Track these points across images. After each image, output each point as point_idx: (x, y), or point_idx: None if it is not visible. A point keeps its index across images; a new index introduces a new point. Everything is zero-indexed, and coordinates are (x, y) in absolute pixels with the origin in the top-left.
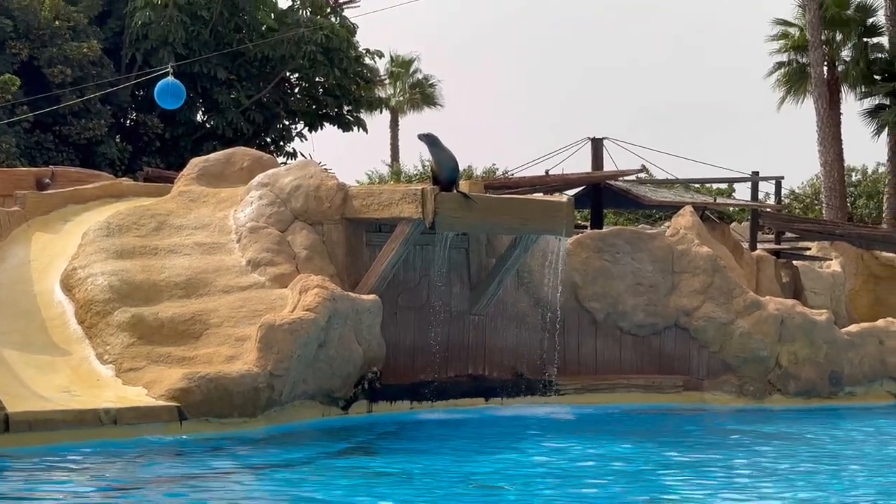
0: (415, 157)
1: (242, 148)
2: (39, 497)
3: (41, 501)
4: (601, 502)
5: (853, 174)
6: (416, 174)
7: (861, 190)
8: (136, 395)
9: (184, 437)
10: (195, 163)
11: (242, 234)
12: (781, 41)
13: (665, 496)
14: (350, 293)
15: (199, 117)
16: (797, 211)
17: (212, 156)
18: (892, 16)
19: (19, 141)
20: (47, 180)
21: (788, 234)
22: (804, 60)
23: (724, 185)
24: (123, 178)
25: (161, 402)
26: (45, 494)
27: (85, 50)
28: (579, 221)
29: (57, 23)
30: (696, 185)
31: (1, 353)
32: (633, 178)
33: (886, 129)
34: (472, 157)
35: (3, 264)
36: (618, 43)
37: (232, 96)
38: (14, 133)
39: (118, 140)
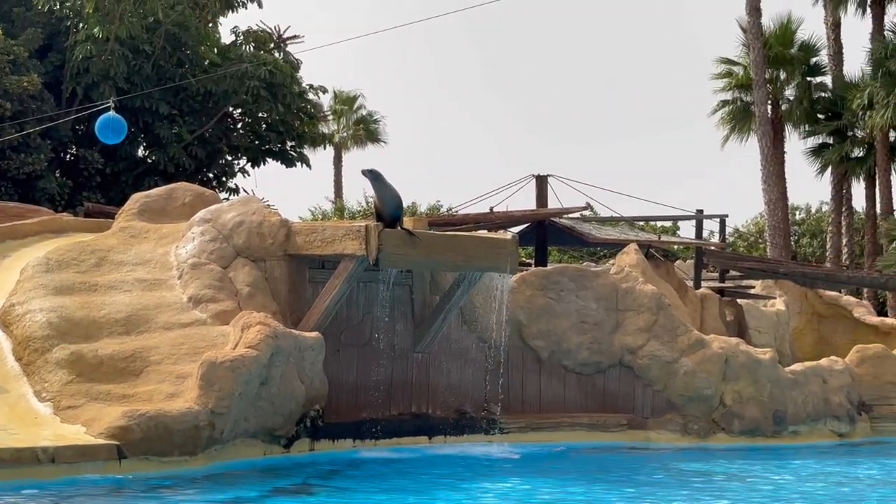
0: (358, 194)
1: (184, 183)
2: None
3: None
4: None
5: (797, 213)
6: (360, 210)
7: (805, 228)
8: (75, 434)
9: (123, 476)
10: (136, 198)
11: (184, 271)
12: (725, 79)
13: None
14: (293, 330)
15: (140, 152)
16: (741, 249)
17: (153, 191)
18: (835, 55)
19: None
20: None
21: (733, 273)
22: (748, 99)
23: (668, 223)
24: (63, 214)
25: (100, 441)
26: None
27: (25, 84)
28: (523, 259)
29: None
30: (641, 223)
31: None
32: (577, 215)
33: (829, 167)
34: (416, 193)
35: None
36: (562, 80)
37: (174, 131)
38: None
39: (58, 175)
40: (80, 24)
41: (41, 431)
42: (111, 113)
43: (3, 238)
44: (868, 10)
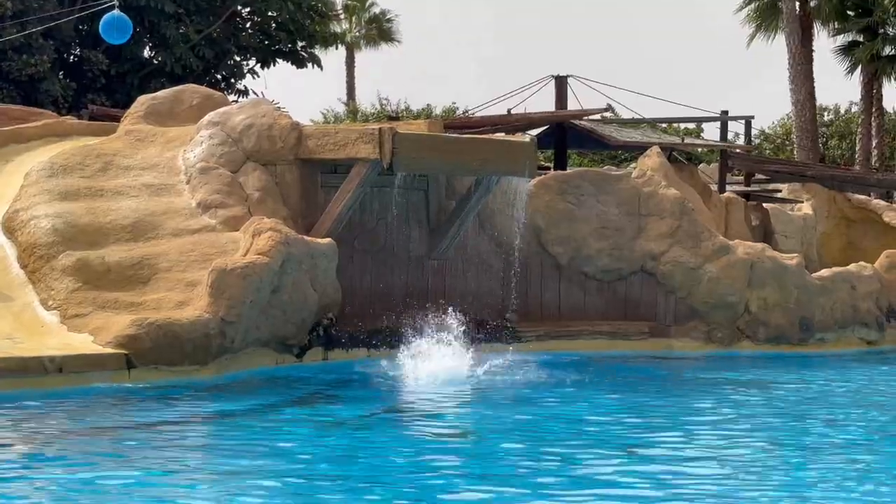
0: (372, 96)
1: (192, 85)
2: None
3: None
4: (572, 453)
5: (825, 114)
6: (373, 113)
7: (833, 130)
8: (83, 343)
9: (132, 385)
10: (143, 101)
11: (192, 175)
12: None
13: (636, 447)
14: (305, 236)
15: (146, 53)
16: (768, 152)
17: (160, 93)
18: None
19: None
20: None
21: (758, 176)
22: None
23: (692, 125)
24: (67, 117)
25: (108, 350)
26: None
27: None
28: (542, 162)
29: None
30: (664, 125)
31: None
32: (598, 117)
33: (860, 66)
34: (431, 95)
35: None
36: None
37: (181, 31)
38: None
39: (61, 77)
40: None
41: (48, 340)
42: (116, 11)
43: (6, 142)
44: None
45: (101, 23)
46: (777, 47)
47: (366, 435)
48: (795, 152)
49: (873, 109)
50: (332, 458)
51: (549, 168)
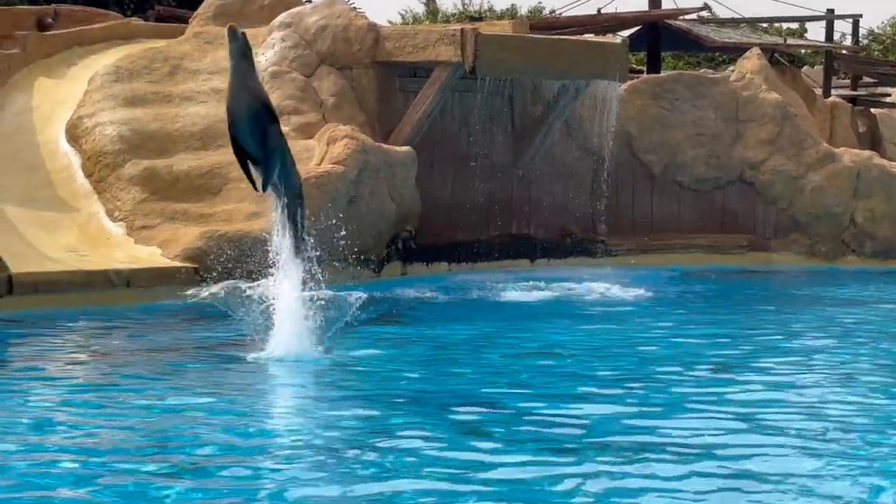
0: None
1: None
2: (44, 362)
3: (46, 366)
4: (667, 367)
5: None
6: (455, 14)
7: None
8: (150, 255)
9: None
10: (211, 1)
11: (264, 80)
12: None
13: (731, 365)
14: (382, 144)
15: None
16: (876, 53)
17: None
18: None
19: None
20: (50, 20)
21: (866, 79)
22: None
23: (795, 25)
24: (133, 18)
25: (177, 263)
26: (49, 359)
27: None
28: (634, 65)
29: None
30: (765, 25)
31: (2, 209)
32: (694, 16)
33: None
34: None
35: (2, 112)
36: None
37: None
38: None
39: None
40: None
41: (114, 253)
42: None
43: (70, 45)
44: None
45: None
46: None
47: (454, 355)
48: None
49: None
50: (410, 381)
51: (641, 71)
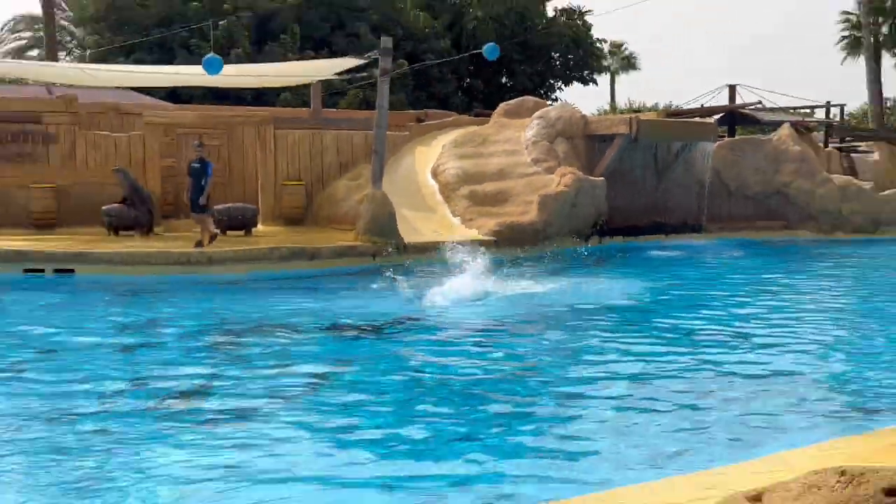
0: (624, 99)
1: (529, 97)
2: (422, 281)
3: (424, 286)
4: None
5: (888, 101)
6: (623, 110)
7: (893, 109)
8: (472, 234)
9: (498, 256)
10: (502, 106)
11: (528, 145)
12: (845, 23)
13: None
14: (589, 177)
15: (503, 80)
16: (853, 123)
17: (511, 102)
18: None
19: (406, 96)
20: (423, 117)
21: (847, 138)
22: (859, 34)
23: (808, 110)
24: (463, 115)
25: (485, 237)
26: (427, 280)
27: (441, 45)
28: (721, 133)
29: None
30: (791, 110)
31: (402, 212)
32: (753, 107)
33: None
34: (657, 97)
35: (399, 165)
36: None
37: (521, 68)
38: (403, 90)
39: (460, 94)
40: (471, 10)
41: (454, 232)
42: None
43: (432, 129)
44: None
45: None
46: (860, 63)
47: (629, 281)
48: (870, 124)
49: None
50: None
51: (724, 136)
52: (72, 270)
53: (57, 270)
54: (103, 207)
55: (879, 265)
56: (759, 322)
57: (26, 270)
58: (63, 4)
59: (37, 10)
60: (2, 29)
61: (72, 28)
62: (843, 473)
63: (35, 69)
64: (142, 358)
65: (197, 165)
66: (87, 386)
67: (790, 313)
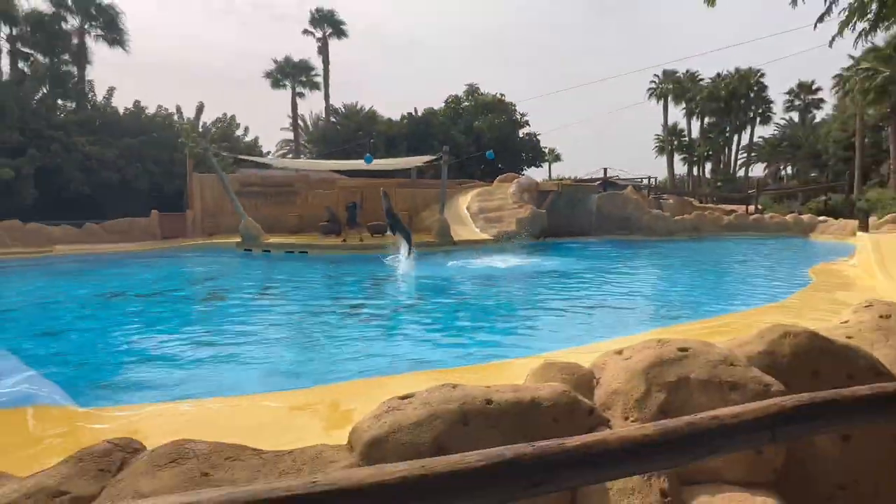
0: (556, 173)
1: (511, 173)
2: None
3: (463, 258)
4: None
5: (677, 176)
6: (556, 178)
7: (679, 181)
8: (484, 236)
9: (496, 247)
10: (500, 177)
11: (511, 195)
12: (656, 139)
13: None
14: (539, 210)
15: (498, 165)
16: (660, 184)
17: (504, 175)
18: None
19: (453, 173)
20: (461, 183)
21: (657, 192)
22: (663, 145)
23: (640, 179)
24: (479, 181)
25: (490, 237)
26: (464, 256)
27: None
28: (600, 190)
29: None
30: (632, 179)
31: (453, 226)
32: (614, 178)
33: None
34: (571, 172)
35: (452, 204)
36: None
37: (507, 160)
38: (451, 170)
39: (479, 172)
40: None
41: (476, 236)
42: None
43: (465, 188)
44: None
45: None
46: (664, 159)
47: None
48: (668, 186)
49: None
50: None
51: (602, 191)
52: (306, 251)
53: (301, 251)
54: (319, 223)
55: (673, 249)
56: (615, 273)
57: (287, 251)
58: (301, 131)
59: (290, 135)
60: (277, 150)
61: (304, 142)
62: (659, 340)
63: (289, 162)
64: (346, 289)
65: (352, 204)
66: (313, 302)
67: (630, 267)
